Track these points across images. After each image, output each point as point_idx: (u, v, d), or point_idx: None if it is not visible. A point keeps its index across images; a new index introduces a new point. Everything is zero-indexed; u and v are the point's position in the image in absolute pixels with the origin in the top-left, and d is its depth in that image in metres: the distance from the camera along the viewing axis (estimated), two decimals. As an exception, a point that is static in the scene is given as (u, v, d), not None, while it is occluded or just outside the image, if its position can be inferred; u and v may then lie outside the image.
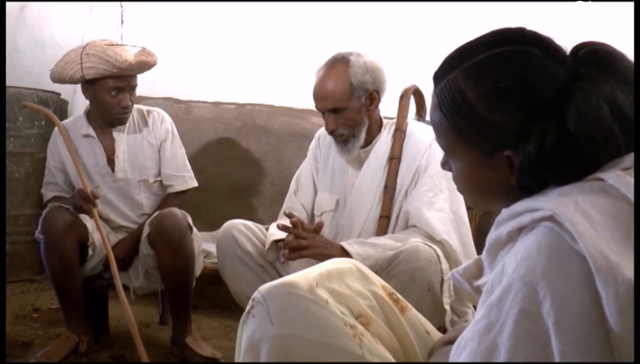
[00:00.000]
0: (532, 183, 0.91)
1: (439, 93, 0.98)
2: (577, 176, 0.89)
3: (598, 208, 0.83)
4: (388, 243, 2.01)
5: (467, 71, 0.94)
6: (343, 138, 2.17)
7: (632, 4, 2.86)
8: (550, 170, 0.89)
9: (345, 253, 1.95)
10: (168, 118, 2.72)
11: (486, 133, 0.93)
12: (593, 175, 0.88)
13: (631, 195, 0.83)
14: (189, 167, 2.73)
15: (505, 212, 0.92)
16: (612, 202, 0.84)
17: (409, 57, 3.38)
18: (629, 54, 0.95)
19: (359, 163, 2.25)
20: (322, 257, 1.84)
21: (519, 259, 0.84)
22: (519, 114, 0.90)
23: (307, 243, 2.00)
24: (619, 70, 0.90)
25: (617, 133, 0.87)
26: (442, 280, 1.87)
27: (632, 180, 0.85)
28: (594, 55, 0.92)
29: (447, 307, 1.88)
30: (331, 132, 2.17)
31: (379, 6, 3.65)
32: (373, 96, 2.16)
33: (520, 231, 0.89)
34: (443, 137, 0.99)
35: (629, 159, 0.88)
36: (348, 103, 2.12)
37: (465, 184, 1.02)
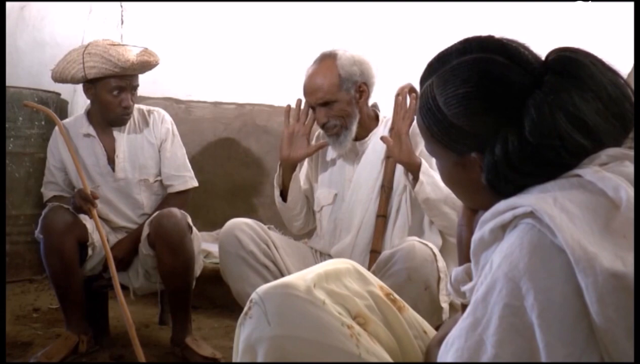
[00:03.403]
0: (503, 184, 0.94)
1: (420, 97, 1.04)
2: (552, 175, 0.91)
3: (576, 202, 0.86)
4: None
5: (439, 78, 0.99)
6: (335, 130, 2.21)
7: (632, 4, 2.86)
8: (519, 172, 0.92)
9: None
10: (169, 118, 2.72)
11: (454, 136, 0.98)
12: (571, 172, 0.91)
13: (608, 190, 0.86)
14: (189, 166, 2.73)
15: (488, 212, 0.94)
16: (590, 197, 0.87)
17: (404, 56, 3.39)
18: (625, 54, 0.95)
19: (356, 157, 2.26)
20: (408, 153, 2.04)
21: (503, 256, 0.86)
22: (480, 119, 0.95)
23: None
24: (582, 77, 0.92)
25: (579, 139, 0.90)
26: (439, 279, 1.88)
27: (608, 175, 0.87)
28: (558, 63, 0.95)
29: (444, 305, 1.89)
30: (323, 126, 2.22)
31: (377, 6, 3.66)
32: (362, 88, 2.20)
33: (504, 229, 0.91)
34: (424, 137, 1.06)
35: (605, 155, 0.91)
36: (337, 96, 2.17)
37: (446, 181, 1.08)
